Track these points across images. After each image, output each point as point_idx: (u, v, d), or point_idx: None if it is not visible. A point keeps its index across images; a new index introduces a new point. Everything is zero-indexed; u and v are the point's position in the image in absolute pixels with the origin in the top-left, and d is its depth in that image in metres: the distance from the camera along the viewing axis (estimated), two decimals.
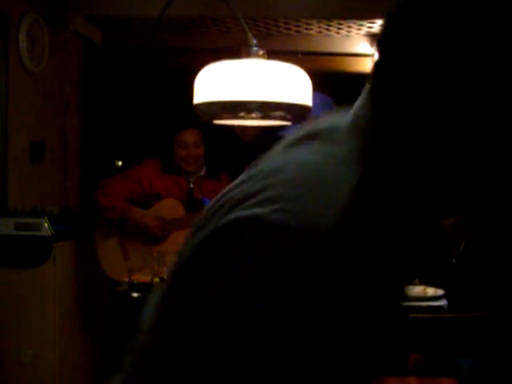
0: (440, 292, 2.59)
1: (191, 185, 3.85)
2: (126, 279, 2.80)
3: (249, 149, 4.21)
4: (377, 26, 4.82)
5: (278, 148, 0.95)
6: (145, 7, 4.21)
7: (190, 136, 3.85)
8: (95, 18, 4.78)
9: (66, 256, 3.80)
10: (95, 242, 3.80)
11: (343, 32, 5.05)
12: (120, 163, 5.39)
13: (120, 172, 4.11)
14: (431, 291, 2.61)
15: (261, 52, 2.45)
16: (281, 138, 3.38)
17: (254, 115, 2.37)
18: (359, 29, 4.94)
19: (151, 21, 4.02)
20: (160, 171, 3.87)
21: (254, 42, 2.45)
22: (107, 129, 5.15)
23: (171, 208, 3.75)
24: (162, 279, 2.79)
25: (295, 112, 2.44)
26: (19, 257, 3.61)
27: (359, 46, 5.19)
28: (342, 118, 0.90)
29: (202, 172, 3.94)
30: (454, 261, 2.95)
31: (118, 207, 3.70)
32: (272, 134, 4.11)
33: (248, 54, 2.45)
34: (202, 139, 3.89)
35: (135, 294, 2.71)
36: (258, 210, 0.77)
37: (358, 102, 0.89)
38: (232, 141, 4.27)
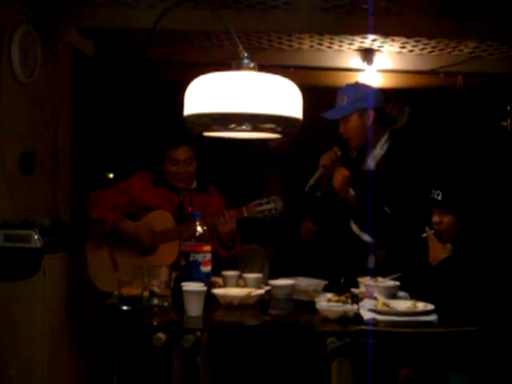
0: (430, 307, 2.59)
1: (181, 198, 3.84)
2: (116, 292, 2.78)
3: (274, 155, 4.21)
4: (368, 41, 4.85)
5: None
6: (137, 20, 4.22)
7: (181, 153, 3.81)
8: (88, 30, 4.79)
9: (56, 268, 3.78)
10: (85, 253, 3.77)
11: (335, 47, 5.08)
12: (111, 175, 5.39)
13: (111, 184, 4.07)
14: (421, 306, 2.60)
15: (251, 64, 2.45)
16: (310, 146, 3.31)
17: (244, 127, 2.37)
18: (351, 43, 4.96)
19: (144, 34, 4.04)
20: (150, 184, 3.85)
21: (246, 54, 2.46)
22: (98, 141, 5.15)
23: (161, 219, 3.73)
24: (151, 292, 2.77)
25: (285, 124, 2.43)
26: (8, 269, 3.59)
27: (351, 60, 5.22)
28: None
29: (193, 186, 3.92)
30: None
31: (110, 219, 3.68)
32: (298, 142, 4.11)
33: (239, 67, 2.45)
34: (193, 156, 3.84)
35: (125, 307, 2.69)
36: None
37: None
38: (221, 154, 4.27)
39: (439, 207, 2.93)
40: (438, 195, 2.92)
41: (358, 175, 3.49)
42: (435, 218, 2.95)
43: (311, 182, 3.51)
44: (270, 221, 3.67)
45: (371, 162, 3.53)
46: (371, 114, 3.49)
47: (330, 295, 2.79)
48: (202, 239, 2.87)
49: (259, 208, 3.62)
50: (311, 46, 5.12)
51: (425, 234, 2.99)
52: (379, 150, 3.53)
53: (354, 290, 2.93)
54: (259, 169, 4.30)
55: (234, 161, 4.29)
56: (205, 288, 2.66)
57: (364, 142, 3.54)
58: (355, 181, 3.45)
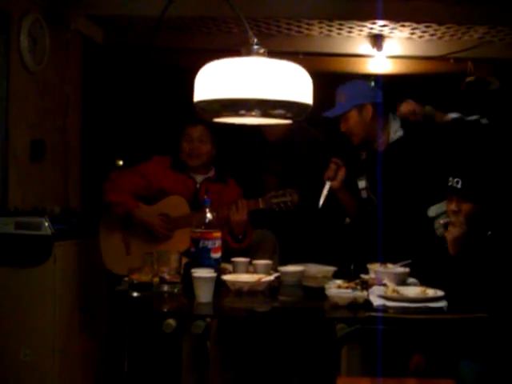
0: (440, 293, 2.58)
1: (197, 185, 3.85)
2: (127, 279, 2.79)
3: (273, 147, 4.22)
4: (378, 26, 4.83)
5: None
6: (146, 7, 4.21)
7: (196, 131, 3.85)
8: (96, 17, 4.78)
9: (66, 255, 3.80)
10: (99, 235, 3.79)
11: (344, 33, 5.06)
12: (121, 162, 5.39)
13: (127, 167, 4.08)
14: (431, 292, 2.60)
15: (261, 50, 2.45)
16: (308, 139, 3.39)
17: (253, 113, 2.37)
18: (360, 29, 4.94)
19: (152, 20, 4.03)
20: (168, 169, 3.86)
21: (255, 40, 2.45)
22: (108, 128, 5.15)
23: (176, 205, 3.73)
24: (161, 279, 2.78)
25: (295, 110, 2.43)
26: (19, 256, 3.61)
27: (360, 46, 5.19)
28: None
29: (211, 174, 3.92)
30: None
31: (125, 204, 3.68)
32: (294, 137, 4.15)
33: (248, 53, 2.45)
34: (209, 137, 3.87)
35: (135, 294, 2.70)
36: None
37: None
38: (242, 145, 4.26)
39: (458, 195, 2.91)
40: (457, 183, 2.90)
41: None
42: (452, 207, 2.92)
43: (322, 198, 3.61)
44: (285, 212, 3.68)
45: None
46: (369, 109, 3.60)
47: (339, 281, 2.80)
48: (211, 226, 2.87)
49: (275, 200, 3.62)
50: (320, 32, 5.09)
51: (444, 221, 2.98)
52: (392, 135, 3.62)
53: (363, 277, 2.94)
54: (258, 161, 4.29)
55: (234, 152, 4.28)
56: (215, 274, 2.67)
57: (366, 137, 3.64)
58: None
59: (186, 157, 3.86)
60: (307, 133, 4.18)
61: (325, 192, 3.62)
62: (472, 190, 2.88)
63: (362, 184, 3.72)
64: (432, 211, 3.40)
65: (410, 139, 3.58)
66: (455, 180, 2.90)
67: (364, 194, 3.72)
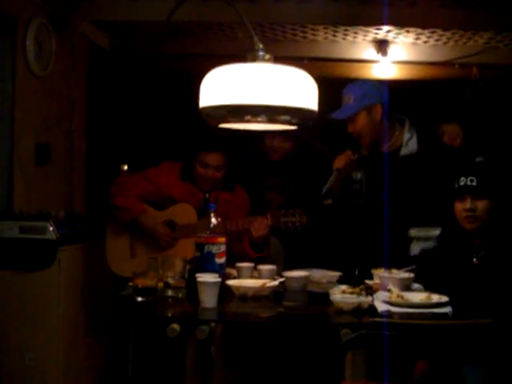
0: (444, 299, 2.58)
1: (206, 195, 3.83)
2: (131, 283, 2.79)
3: (276, 167, 4.22)
4: (383, 32, 4.83)
5: None
6: (152, 12, 4.22)
7: (213, 159, 3.77)
8: (102, 22, 4.80)
9: (71, 260, 3.81)
10: (106, 236, 3.79)
11: (349, 38, 5.06)
12: (125, 167, 5.40)
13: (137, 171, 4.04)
14: (436, 298, 2.60)
15: (267, 56, 2.45)
16: (311, 157, 3.35)
17: (259, 119, 2.37)
18: (365, 35, 4.95)
19: (158, 26, 4.04)
20: (177, 176, 3.84)
21: (261, 46, 2.45)
22: (113, 133, 5.16)
23: (184, 213, 3.72)
24: (166, 284, 2.78)
25: (301, 116, 2.43)
26: (24, 260, 3.61)
27: (365, 51, 5.20)
28: None
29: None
30: (475, 262, 2.94)
31: (132, 209, 3.69)
32: (299, 154, 4.15)
33: (254, 58, 2.45)
34: (224, 163, 3.80)
35: (139, 299, 2.70)
36: None
37: None
38: (250, 154, 4.27)
39: (473, 193, 2.92)
40: (471, 181, 2.91)
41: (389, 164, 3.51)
42: (467, 205, 2.93)
43: (327, 185, 3.55)
44: (292, 232, 3.67)
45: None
46: (379, 109, 3.51)
47: (344, 287, 2.79)
48: (216, 231, 2.87)
49: (284, 219, 3.59)
50: (325, 38, 5.10)
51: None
52: (405, 149, 3.55)
53: (368, 282, 2.93)
54: (262, 177, 4.28)
55: (238, 169, 4.28)
56: (219, 279, 2.67)
57: (376, 139, 3.56)
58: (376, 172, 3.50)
59: (200, 180, 3.80)
60: (312, 149, 4.15)
61: (330, 182, 3.55)
62: (488, 186, 2.89)
63: (356, 176, 3.63)
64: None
65: (423, 156, 3.50)
66: (469, 179, 2.91)
67: (357, 187, 3.64)
